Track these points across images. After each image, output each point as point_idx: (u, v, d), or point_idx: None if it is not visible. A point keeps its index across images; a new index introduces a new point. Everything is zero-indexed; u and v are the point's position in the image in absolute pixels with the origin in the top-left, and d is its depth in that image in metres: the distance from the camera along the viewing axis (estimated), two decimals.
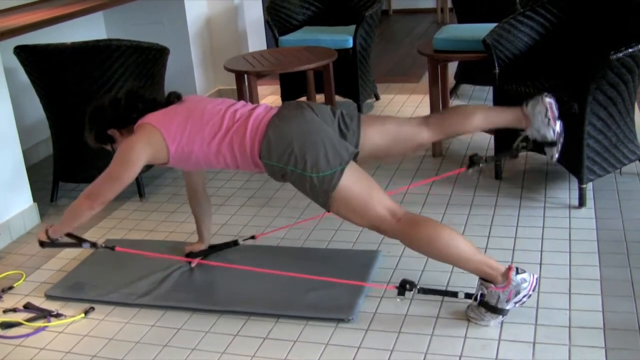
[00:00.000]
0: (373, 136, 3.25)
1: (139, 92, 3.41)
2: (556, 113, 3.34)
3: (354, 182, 3.05)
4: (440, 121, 3.43)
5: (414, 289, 3.09)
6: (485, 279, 3.01)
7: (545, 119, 3.33)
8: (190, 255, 3.71)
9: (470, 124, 3.42)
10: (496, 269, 2.99)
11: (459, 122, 3.42)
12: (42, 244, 3.46)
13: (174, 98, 3.37)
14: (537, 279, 3.04)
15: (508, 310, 2.99)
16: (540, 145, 3.40)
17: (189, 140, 3.16)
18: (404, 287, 3.10)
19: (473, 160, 3.43)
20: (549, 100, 3.33)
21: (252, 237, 3.78)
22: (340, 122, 3.20)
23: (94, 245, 3.46)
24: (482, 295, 3.01)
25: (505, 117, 3.45)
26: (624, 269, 3.35)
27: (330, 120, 3.19)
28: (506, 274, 2.97)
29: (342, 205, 3.07)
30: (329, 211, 3.14)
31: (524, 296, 2.99)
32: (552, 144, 3.37)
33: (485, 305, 3.00)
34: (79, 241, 3.48)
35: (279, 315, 3.21)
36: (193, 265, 3.68)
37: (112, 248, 3.49)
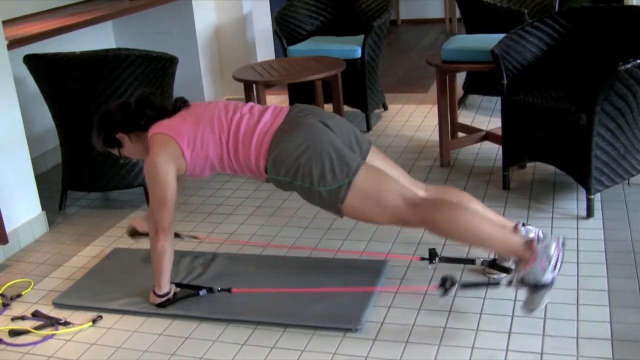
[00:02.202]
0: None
1: (149, 98, 3.45)
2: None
3: (363, 186, 3.04)
4: (439, 196, 3.36)
5: (455, 285, 3.06)
6: (514, 256, 2.99)
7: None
8: (133, 233, 3.76)
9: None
10: (519, 243, 2.96)
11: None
12: (160, 305, 3.41)
13: (181, 104, 3.41)
14: (562, 239, 2.98)
15: (551, 282, 2.92)
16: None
17: (202, 145, 3.24)
18: (444, 285, 3.05)
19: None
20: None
21: (229, 291, 3.52)
22: (352, 137, 3.22)
23: (210, 290, 3.47)
24: (522, 277, 2.96)
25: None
26: (632, 280, 3.34)
27: (341, 130, 3.21)
28: (529, 246, 2.93)
29: (356, 211, 3.09)
30: (342, 217, 3.16)
31: (557, 260, 2.93)
32: (505, 270, 3.30)
33: (528, 287, 2.95)
34: (195, 289, 3.48)
35: (286, 325, 3.21)
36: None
37: (229, 290, 3.47)
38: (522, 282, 2.97)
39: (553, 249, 2.94)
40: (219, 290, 3.46)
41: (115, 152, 3.47)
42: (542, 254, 2.92)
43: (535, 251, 2.92)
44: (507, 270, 3.34)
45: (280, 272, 3.64)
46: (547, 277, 2.94)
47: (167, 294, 3.41)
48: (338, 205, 3.05)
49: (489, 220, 3.02)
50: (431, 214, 3.01)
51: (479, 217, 3.01)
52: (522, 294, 3.02)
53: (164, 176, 3.23)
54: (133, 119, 3.37)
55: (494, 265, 3.38)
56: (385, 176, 3.13)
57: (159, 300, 3.40)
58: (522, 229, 3.34)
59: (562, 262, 2.98)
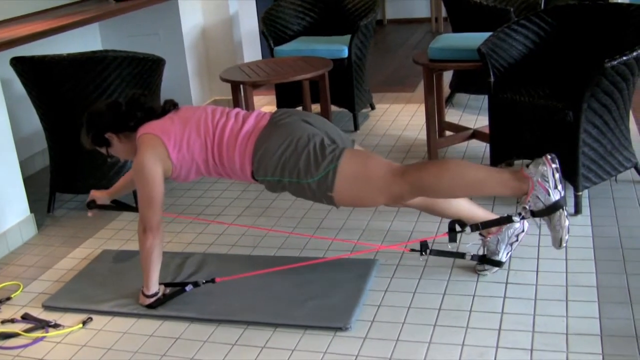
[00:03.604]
0: None
1: (140, 100, 3.46)
2: (520, 241, 3.36)
3: (349, 168, 3.05)
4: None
5: (466, 228, 3.12)
6: (515, 195, 3.02)
7: (514, 238, 3.37)
8: (90, 205, 3.78)
9: (449, 206, 3.34)
10: (513, 177, 3.00)
11: (440, 200, 3.34)
12: (151, 305, 3.40)
13: (170, 106, 3.43)
14: (551, 156, 3.00)
15: (560, 200, 2.96)
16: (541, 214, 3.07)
17: (189, 147, 3.27)
18: (453, 230, 3.12)
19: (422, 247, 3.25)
20: (527, 227, 3.36)
21: (212, 281, 3.53)
22: (335, 134, 3.24)
23: (196, 284, 3.46)
24: (532, 210, 3.00)
25: (484, 214, 3.35)
26: (621, 275, 3.35)
27: (323, 124, 3.23)
28: (521, 175, 2.97)
29: (347, 198, 3.11)
30: (337, 206, 3.18)
31: (552, 174, 2.95)
32: (497, 264, 3.37)
33: (541, 212, 2.99)
34: (181, 287, 3.47)
35: (276, 324, 3.21)
36: (90, 214, 3.80)
37: (213, 281, 3.47)
38: (535, 214, 3.00)
39: (546, 166, 2.96)
40: (203, 283, 3.46)
41: (103, 150, 3.48)
42: (536, 176, 2.95)
43: (528, 176, 2.95)
44: (497, 264, 3.36)
45: (270, 272, 3.64)
46: (554, 195, 2.96)
47: (156, 294, 3.40)
48: (328, 193, 3.06)
49: (475, 166, 3.02)
50: (417, 174, 3.03)
51: (464, 164, 3.03)
52: (547, 237, 3.07)
53: (151, 176, 3.24)
54: (123, 119, 3.39)
55: (483, 259, 3.40)
56: (368, 154, 3.16)
57: (148, 300, 3.40)
58: (529, 170, 3.36)
59: (561, 175, 2.98)
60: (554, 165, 2.98)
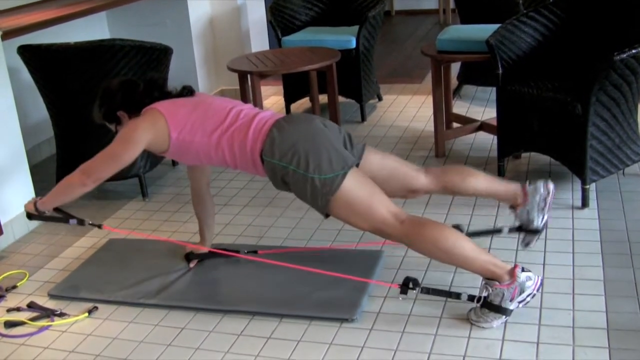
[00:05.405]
0: (372, 164, 3.28)
1: (158, 82, 3.46)
2: (551, 204, 3.40)
3: (356, 185, 3.04)
4: (439, 172, 3.40)
5: (417, 288, 3.09)
6: (490, 278, 2.99)
7: (542, 203, 3.37)
8: (190, 256, 3.72)
9: (468, 185, 3.38)
10: (502, 267, 2.97)
11: (457, 179, 3.39)
12: (29, 215, 3.46)
13: (187, 92, 3.41)
14: (541, 280, 3.01)
15: (511, 310, 2.97)
16: (519, 229, 3.41)
17: (192, 130, 3.21)
18: (407, 285, 3.09)
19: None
20: (552, 188, 3.38)
21: (255, 252, 3.72)
22: (346, 140, 3.22)
23: (81, 222, 3.48)
24: (485, 296, 3.01)
25: (504, 187, 3.43)
26: (628, 269, 3.35)
27: (337, 134, 3.21)
28: (512, 272, 2.95)
29: (344, 209, 3.06)
30: (327, 216, 3.14)
31: (528, 295, 2.96)
32: (535, 232, 3.39)
33: (488, 305, 2.99)
34: (66, 217, 3.50)
35: (282, 315, 3.21)
36: (191, 265, 3.68)
37: (99, 226, 3.52)
38: (485, 303, 3.00)
39: (532, 285, 2.97)
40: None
41: (112, 127, 3.45)
42: (520, 284, 2.95)
43: (516, 279, 2.95)
44: (535, 232, 3.41)
45: (276, 261, 3.64)
46: (512, 305, 2.98)
47: (43, 213, 3.45)
48: (328, 197, 3.03)
49: (472, 247, 3.00)
50: (417, 230, 3.02)
51: (463, 239, 3.00)
52: (477, 309, 3.06)
53: (135, 142, 3.21)
54: (139, 99, 3.36)
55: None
56: (377, 187, 3.13)
57: (33, 212, 3.44)
58: (529, 187, 3.38)
59: (532, 299, 2.99)
60: (537, 292, 3.00)
